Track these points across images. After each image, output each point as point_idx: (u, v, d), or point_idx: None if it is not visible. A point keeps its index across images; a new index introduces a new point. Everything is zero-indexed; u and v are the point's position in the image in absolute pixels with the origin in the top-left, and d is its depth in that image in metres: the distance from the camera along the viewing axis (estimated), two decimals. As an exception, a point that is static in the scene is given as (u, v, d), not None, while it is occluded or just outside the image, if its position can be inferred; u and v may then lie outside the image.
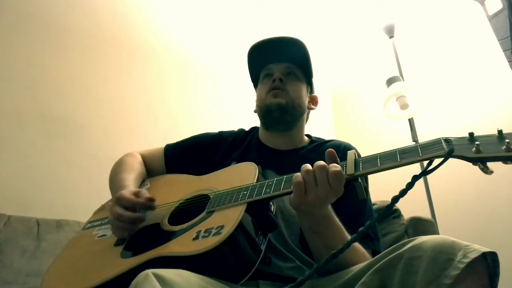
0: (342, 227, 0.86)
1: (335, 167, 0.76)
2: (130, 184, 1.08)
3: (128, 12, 2.31)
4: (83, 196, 1.75)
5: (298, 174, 0.79)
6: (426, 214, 2.05)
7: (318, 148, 1.18)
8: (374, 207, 1.42)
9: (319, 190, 0.76)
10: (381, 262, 0.71)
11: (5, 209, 1.48)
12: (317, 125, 2.93)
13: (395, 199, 0.71)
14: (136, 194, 0.98)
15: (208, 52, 2.64)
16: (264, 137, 1.23)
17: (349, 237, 0.88)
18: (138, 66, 2.26)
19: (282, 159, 1.14)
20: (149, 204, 0.96)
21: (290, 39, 1.21)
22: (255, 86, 1.30)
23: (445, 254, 0.65)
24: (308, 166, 0.79)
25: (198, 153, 1.23)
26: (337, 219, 0.86)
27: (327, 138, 1.28)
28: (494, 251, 0.67)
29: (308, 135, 1.27)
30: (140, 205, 0.96)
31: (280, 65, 1.21)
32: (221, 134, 1.29)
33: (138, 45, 2.29)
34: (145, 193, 0.98)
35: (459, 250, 0.66)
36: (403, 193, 0.70)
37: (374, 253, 0.89)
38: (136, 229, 0.95)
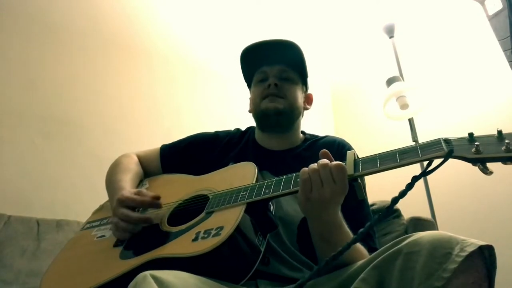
0: (351, 235, 0.85)
1: (335, 162, 0.78)
2: (127, 184, 1.07)
3: (128, 12, 2.31)
4: (83, 196, 1.75)
5: (306, 170, 0.79)
6: (426, 214, 2.04)
7: (312, 145, 1.18)
8: (374, 207, 1.43)
9: (325, 189, 0.77)
10: (379, 258, 0.72)
11: (5, 209, 1.48)
12: (317, 125, 2.93)
13: (395, 200, 0.71)
14: (138, 194, 0.98)
15: (214, 51, 2.64)
16: (260, 138, 1.23)
17: (356, 244, 0.87)
18: (139, 66, 2.26)
19: (278, 160, 1.14)
20: (156, 202, 0.96)
21: (284, 41, 1.19)
22: (249, 85, 1.29)
23: (442, 249, 0.66)
24: (314, 165, 0.79)
25: (194, 153, 1.23)
26: (347, 228, 0.86)
27: (326, 137, 1.27)
28: (491, 244, 0.67)
29: (302, 132, 1.27)
30: (147, 204, 0.95)
31: (274, 67, 1.19)
32: (217, 134, 1.28)
33: (139, 45, 2.29)
34: (147, 192, 0.98)
35: (456, 244, 0.66)
36: (402, 194, 0.70)
37: (371, 250, 0.89)
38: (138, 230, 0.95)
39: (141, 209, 1.00)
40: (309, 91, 1.29)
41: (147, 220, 0.93)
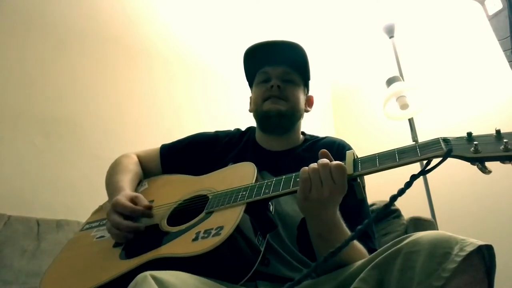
0: (350, 234, 0.85)
1: (335, 162, 0.78)
2: (126, 185, 1.08)
3: (128, 12, 2.31)
4: (83, 196, 1.75)
5: (306, 169, 0.79)
6: (426, 214, 2.04)
7: (312, 146, 1.18)
8: (374, 207, 1.43)
9: (324, 188, 0.77)
10: (379, 258, 0.72)
11: (5, 209, 1.48)
12: (317, 125, 2.93)
13: (393, 198, 0.71)
14: (134, 200, 0.98)
15: (214, 51, 2.63)
16: (260, 139, 1.23)
17: (355, 243, 0.88)
18: (139, 66, 2.26)
19: (278, 160, 1.14)
20: (147, 212, 0.96)
21: (288, 42, 1.19)
22: (250, 85, 1.29)
23: (442, 248, 0.66)
24: (314, 165, 0.79)
25: (194, 153, 1.23)
26: (345, 228, 0.86)
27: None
28: (490, 244, 0.67)
29: (302, 133, 1.27)
30: (138, 214, 0.95)
31: (277, 68, 1.18)
32: (217, 134, 1.28)
33: (139, 45, 2.29)
34: (143, 200, 0.98)
35: (455, 244, 0.66)
36: (401, 192, 0.70)
37: (370, 251, 0.89)
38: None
39: None
40: (309, 92, 1.30)
41: (137, 228, 0.93)
